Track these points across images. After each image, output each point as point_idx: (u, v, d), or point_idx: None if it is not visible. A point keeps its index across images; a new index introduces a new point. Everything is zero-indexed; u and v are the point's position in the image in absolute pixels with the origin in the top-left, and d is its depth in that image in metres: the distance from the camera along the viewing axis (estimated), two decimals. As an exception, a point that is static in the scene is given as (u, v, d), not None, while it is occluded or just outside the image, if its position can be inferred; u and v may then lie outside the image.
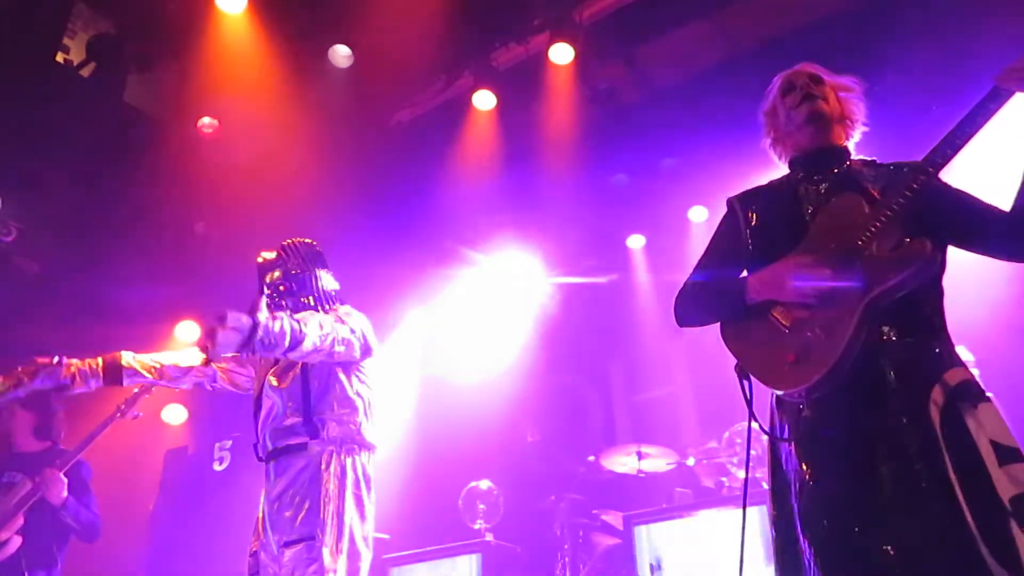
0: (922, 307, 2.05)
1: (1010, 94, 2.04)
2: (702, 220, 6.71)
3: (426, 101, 6.57)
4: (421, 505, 6.70)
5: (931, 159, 2.06)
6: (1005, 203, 2.10)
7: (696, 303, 2.38)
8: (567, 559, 5.49)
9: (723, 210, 2.49)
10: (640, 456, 5.78)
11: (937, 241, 2.08)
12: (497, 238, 7.06)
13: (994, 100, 2.06)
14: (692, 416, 6.80)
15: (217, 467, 7.00)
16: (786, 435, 2.11)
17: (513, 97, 6.18)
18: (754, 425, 2.16)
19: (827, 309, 2.02)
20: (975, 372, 4.21)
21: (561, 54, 5.64)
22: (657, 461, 5.78)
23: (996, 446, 1.88)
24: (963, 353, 4.26)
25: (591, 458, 6.07)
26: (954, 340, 2.13)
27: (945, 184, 2.16)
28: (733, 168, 4.09)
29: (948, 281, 2.17)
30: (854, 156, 2.35)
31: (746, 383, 2.12)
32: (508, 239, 7.05)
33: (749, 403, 2.12)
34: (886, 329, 2.01)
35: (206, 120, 6.23)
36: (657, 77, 6.31)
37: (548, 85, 6.06)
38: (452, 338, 7.42)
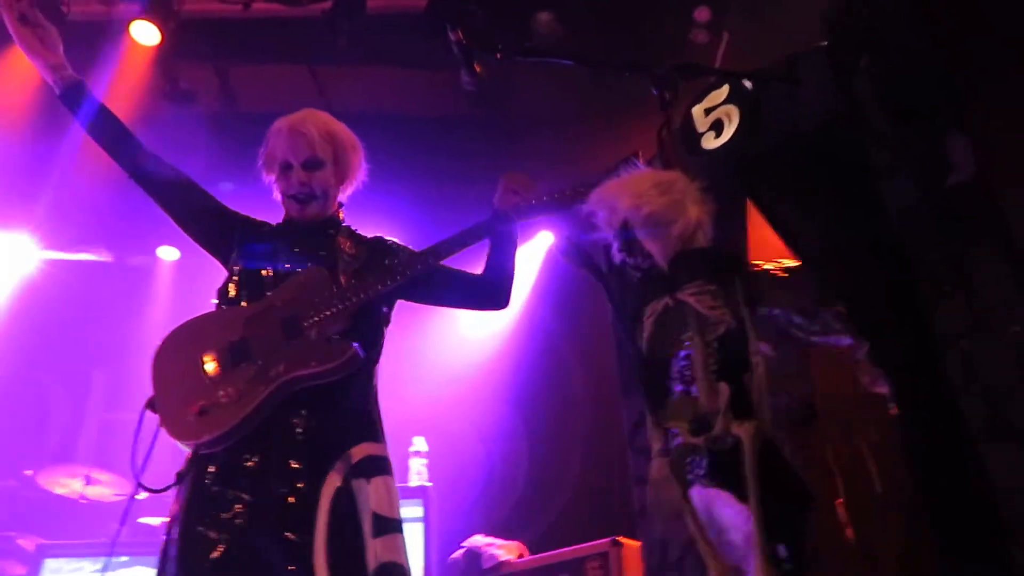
0: (345, 390, 2.10)
1: (509, 220, 2.24)
2: (173, 260, 6.66)
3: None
4: None
5: (404, 266, 2.18)
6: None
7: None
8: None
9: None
10: (89, 480, 5.21)
11: (415, 300, 2.31)
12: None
13: (496, 224, 2.26)
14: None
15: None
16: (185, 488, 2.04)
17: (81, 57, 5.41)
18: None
19: (248, 374, 2.03)
20: (422, 463, 4.45)
21: (146, 33, 5.12)
22: (104, 489, 5.24)
23: (376, 518, 2.01)
24: (420, 444, 4.53)
25: (28, 472, 5.29)
26: (417, 432, 2.27)
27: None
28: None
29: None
30: (344, 222, 2.39)
31: (147, 414, 2.04)
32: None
33: (136, 434, 2.03)
34: (301, 407, 2.06)
35: None
36: (243, 100, 6.04)
37: (127, 59, 5.41)
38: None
